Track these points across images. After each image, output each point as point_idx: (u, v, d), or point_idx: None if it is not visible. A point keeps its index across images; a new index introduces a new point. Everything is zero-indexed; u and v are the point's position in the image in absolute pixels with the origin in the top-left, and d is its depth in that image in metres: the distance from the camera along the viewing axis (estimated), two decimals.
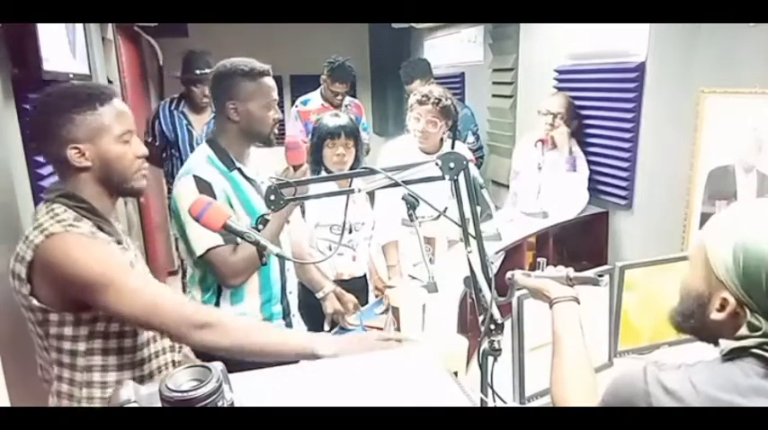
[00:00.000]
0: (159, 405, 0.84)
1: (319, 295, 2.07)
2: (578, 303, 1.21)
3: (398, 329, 1.66)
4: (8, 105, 1.77)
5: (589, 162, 2.85)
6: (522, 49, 3.55)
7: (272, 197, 1.19)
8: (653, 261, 1.74)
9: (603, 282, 1.59)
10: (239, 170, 1.75)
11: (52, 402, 1.30)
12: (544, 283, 1.25)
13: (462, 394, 1.13)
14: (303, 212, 2.28)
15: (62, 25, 2.13)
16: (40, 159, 1.78)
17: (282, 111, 2.13)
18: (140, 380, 1.31)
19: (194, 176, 1.66)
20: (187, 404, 0.81)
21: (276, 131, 1.79)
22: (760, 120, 1.99)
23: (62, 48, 2.13)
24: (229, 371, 0.94)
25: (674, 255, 1.75)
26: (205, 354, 1.28)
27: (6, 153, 1.72)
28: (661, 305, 1.11)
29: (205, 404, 0.82)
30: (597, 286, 1.29)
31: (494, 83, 3.87)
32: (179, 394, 0.81)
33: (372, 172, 1.19)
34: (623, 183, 2.73)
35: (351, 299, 2.09)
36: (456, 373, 1.34)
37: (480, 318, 1.13)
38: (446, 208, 1.68)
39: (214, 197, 1.59)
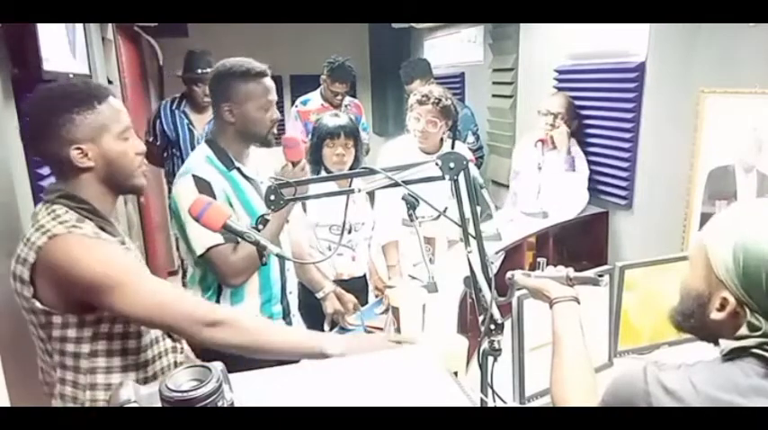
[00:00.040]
0: (159, 405, 0.83)
1: (319, 295, 2.08)
2: (578, 303, 1.21)
3: (398, 330, 1.66)
4: (8, 105, 1.77)
5: (589, 162, 2.85)
6: (522, 49, 3.54)
7: (272, 197, 1.19)
8: (653, 261, 1.74)
9: (603, 282, 1.59)
10: (238, 170, 1.75)
11: (55, 405, 1.29)
12: (544, 283, 1.25)
13: (462, 394, 1.13)
14: (305, 210, 2.28)
15: (62, 25, 2.13)
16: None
17: (282, 112, 2.13)
18: (144, 381, 1.30)
19: (193, 176, 1.66)
20: (187, 404, 0.81)
21: (275, 132, 1.79)
22: (760, 121, 1.99)
23: (62, 48, 2.13)
24: (229, 371, 0.94)
25: (674, 255, 1.75)
26: (206, 355, 1.27)
27: (6, 153, 1.72)
28: (661, 305, 1.11)
29: (205, 404, 0.82)
30: (597, 286, 1.29)
31: (494, 83, 3.87)
32: (179, 394, 0.81)
33: (372, 172, 1.19)
34: (623, 183, 2.72)
35: (351, 299, 2.10)
36: (456, 373, 1.34)
37: (480, 318, 1.13)
38: (446, 208, 1.68)
39: (214, 197, 1.59)
